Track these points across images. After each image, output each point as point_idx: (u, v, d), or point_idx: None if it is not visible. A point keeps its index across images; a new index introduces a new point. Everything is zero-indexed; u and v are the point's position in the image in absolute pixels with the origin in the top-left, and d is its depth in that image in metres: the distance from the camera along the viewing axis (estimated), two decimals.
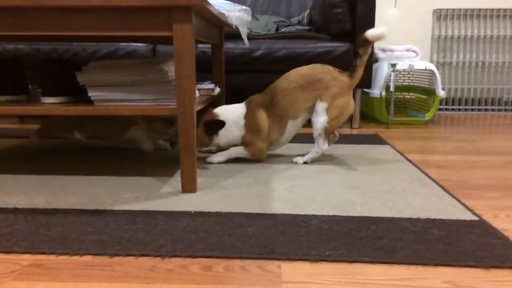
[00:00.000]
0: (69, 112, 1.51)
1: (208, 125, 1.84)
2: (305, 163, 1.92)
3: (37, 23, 1.40)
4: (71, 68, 1.60)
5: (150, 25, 1.40)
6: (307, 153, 1.95)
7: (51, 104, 1.59)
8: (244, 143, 1.90)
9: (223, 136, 1.89)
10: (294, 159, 1.94)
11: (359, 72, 1.89)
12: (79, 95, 1.66)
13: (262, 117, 1.86)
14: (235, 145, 1.93)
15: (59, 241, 1.10)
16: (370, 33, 1.81)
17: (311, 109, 1.89)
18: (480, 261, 1.01)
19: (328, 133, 1.90)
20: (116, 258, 1.02)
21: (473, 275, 0.96)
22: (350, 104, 1.89)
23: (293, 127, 1.91)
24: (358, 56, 1.87)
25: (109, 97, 1.53)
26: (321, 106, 1.85)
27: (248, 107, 1.89)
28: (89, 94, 1.54)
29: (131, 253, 1.04)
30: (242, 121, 1.88)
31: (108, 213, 1.30)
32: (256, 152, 1.89)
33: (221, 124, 1.83)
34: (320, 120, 1.85)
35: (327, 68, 1.89)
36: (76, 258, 1.03)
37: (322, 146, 1.91)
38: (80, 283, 0.92)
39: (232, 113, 1.89)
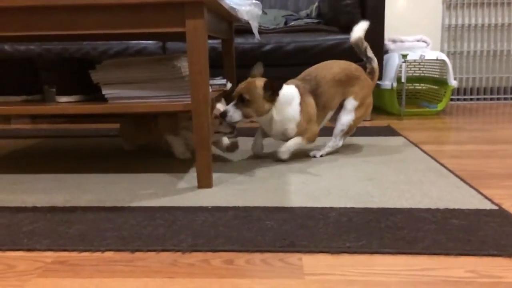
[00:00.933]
0: (83, 110, 1.52)
1: (269, 85, 1.67)
2: (321, 156, 1.92)
3: (49, 23, 1.41)
4: (85, 67, 1.61)
5: (163, 21, 1.40)
6: (323, 147, 1.95)
7: (66, 103, 1.60)
8: (299, 131, 1.79)
9: (277, 118, 1.75)
10: (312, 153, 1.93)
11: (377, 74, 2.01)
12: (93, 93, 1.67)
13: (314, 104, 1.81)
14: (280, 133, 1.81)
15: (80, 238, 1.11)
16: (352, 38, 1.98)
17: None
18: (503, 250, 1.00)
19: (349, 131, 1.94)
20: (138, 254, 1.03)
21: (497, 263, 0.95)
22: (371, 106, 1.99)
23: (327, 118, 1.92)
24: (366, 58, 1.97)
25: (123, 95, 1.54)
26: (352, 103, 1.89)
27: (300, 92, 1.78)
28: (103, 92, 1.55)
29: (152, 248, 1.05)
30: (297, 107, 1.77)
31: (126, 209, 1.30)
32: (312, 137, 1.82)
33: (280, 86, 1.72)
34: (348, 117, 1.90)
35: (359, 67, 1.94)
36: (98, 254, 1.03)
37: (339, 142, 1.94)
38: (104, 278, 0.92)
39: (289, 96, 1.76)
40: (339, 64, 1.90)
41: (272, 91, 1.67)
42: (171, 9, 1.38)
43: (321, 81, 1.82)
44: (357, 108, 1.90)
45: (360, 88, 1.90)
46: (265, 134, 1.91)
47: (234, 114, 1.66)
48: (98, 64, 1.54)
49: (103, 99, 1.58)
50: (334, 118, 1.96)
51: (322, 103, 1.83)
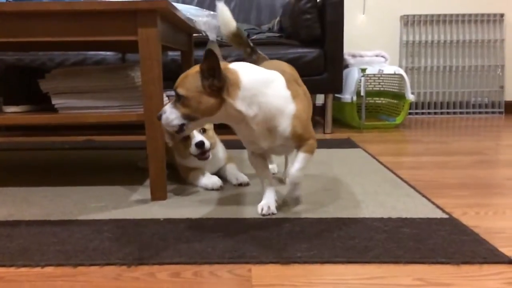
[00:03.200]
0: (31, 121, 1.46)
1: (207, 67, 1.13)
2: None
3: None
4: (34, 76, 1.55)
5: (115, 29, 1.37)
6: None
7: (12, 113, 1.54)
8: (302, 128, 1.26)
9: (251, 113, 1.18)
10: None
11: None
12: (43, 103, 1.61)
13: (307, 96, 1.37)
14: (272, 139, 1.26)
15: (20, 253, 1.05)
16: (230, 28, 1.52)
17: None
18: (450, 258, 1.01)
19: None
20: (80, 268, 0.98)
21: (444, 271, 0.96)
22: None
23: None
24: (251, 49, 1.58)
25: (74, 105, 1.49)
26: None
27: (286, 77, 1.27)
28: (53, 102, 1.50)
29: (95, 262, 1.00)
30: (284, 90, 1.24)
31: (73, 223, 1.25)
32: (315, 146, 1.35)
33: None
34: None
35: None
36: (37, 269, 0.98)
37: None
38: None
39: (262, 78, 1.22)
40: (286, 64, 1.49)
41: (213, 77, 1.13)
42: (123, 17, 1.36)
43: (294, 76, 1.36)
44: None
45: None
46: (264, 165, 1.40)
47: (171, 115, 1.18)
48: (47, 73, 1.49)
49: (53, 110, 1.53)
50: None
51: (308, 97, 1.39)
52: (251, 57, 1.57)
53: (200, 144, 1.53)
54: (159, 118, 1.22)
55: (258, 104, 1.19)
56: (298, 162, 1.31)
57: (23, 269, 0.98)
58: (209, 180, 1.59)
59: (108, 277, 0.94)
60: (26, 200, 1.47)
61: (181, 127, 1.20)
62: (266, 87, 1.20)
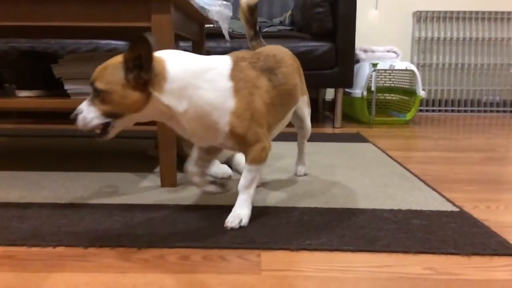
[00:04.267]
0: (43, 105, 1.47)
1: (132, 57, 0.98)
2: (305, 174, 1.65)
3: (11, 13, 1.37)
4: (47, 61, 1.56)
5: (128, 15, 1.37)
6: (300, 161, 1.67)
7: (25, 97, 1.55)
8: (242, 127, 1.08)
9: (180, 108, 1.04)
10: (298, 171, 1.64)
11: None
12: (55, 89, 1.62)
13: (267, 90, 1.15)
14: (207, 137, 1.11)
15: (31, 234, 1.06)
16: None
17: None
18: (461, 249, 1.00)
19: None
20: (90, 249, 0.99)
21: (454, 261, 0.95)
22: None
23: (287, 119, 1.34)
24: (255, 33, 1.45)
25: (86, 90, 1.50)
26: (304, 101, 1.49)
27: (239, 64, 1.12)
28: (66, 87, 1.51)
29: (105, 244, 1.01)
30: (226, 83, 1.07)
31: (84, 206, 1.26)
32: (263, 155, 1.15)
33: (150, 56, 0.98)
34: (308, 118, 1.55)
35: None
36: (49, 249, 0.99)
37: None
38: (51, 273, 0.88)
39: (199, 68, 1.06)
40: (283, 50, 1.35)
41: (139, 68, 0.98)
42: (137, 3, 1.36)
43: (281, 61, 1.24)
44: (308, 103, 1.53)
45: (302, 78, 1.46)
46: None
47: (89, 114, 1.02)
48: (60, 59, 1.50)
49: (65, 95, 1.54)
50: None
51: (284, 92, 1.21)
52: (252, 41, 1.46)
53: None
54: (74, 119, 1.03)
55: (188, 98, 1.03)
56: (243, 177, 1.15)
57: (34, 249, 0.99)
58: (219, 169, 1.59)
59: (118, 258, 0.95)
60: (37, 183, 1.48)
61: (105, 127, 1.03)
62: (198, 79, 1.04)
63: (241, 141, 1.11)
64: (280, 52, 1.30)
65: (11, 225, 1.12)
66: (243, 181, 1.15)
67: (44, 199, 1.32)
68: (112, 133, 1.05)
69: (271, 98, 1.16)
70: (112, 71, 1.00)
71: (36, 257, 0.95)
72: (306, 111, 1.52)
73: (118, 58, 1.01)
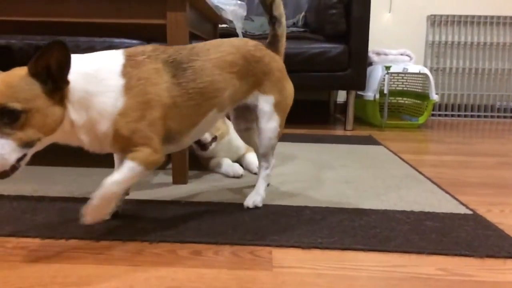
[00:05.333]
0: None
1: (54, 50, 0.83)
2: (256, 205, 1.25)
3: (27, 9, 1.38)
4: None
5: (143, 12, 1.38)
6: (256, 185, 1.30)
7: None
8: (128, 129, 0.95)
9: (79, 120, 0.92)
10: (246, 203, 1.25)
11: (283, 44, 1.34)
12: None
13: (165, 87, 1.00)
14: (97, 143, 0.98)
15: (45, 226, 1.07)
16: None
17: (240, 105, 1.23)
18: (475, 251, 0.99)
19: (277, 139, 1.28)
20: (103, 242, 1.00)
21: (468, 263, 0.94)
22: (293, 95, 1.30)
23: (210, 121, 1.15)
24: (276, 20, 1.30)
25: None
26: (266, 101, 1.22)
27: (133, 59, 0.99)
28: None
29: (118, 237, 1.02)
30: (117, 80, 0.95)
31: None
32: (151, 159, 0.98)
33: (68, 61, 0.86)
34: (271, 124, 1.23)
35: (259, 44, 1.25)
36: (62, 241, 1.00)
37: (273, 160, 1.32)
38: (64, 264, 0.89)
39: (92, 71, 0.93)
40: (230, 42, 1.18)
41: (55, 75, 0.85)
42: (152, 0, 1.37)
43: (199, 54, 1.09)
44: (277, 105, 1.23)
45: (267, 74, 1.21)
46: None
47: (3, 149, 0.82)
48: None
49: None
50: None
51: (194, 91, 1.04)
52: (272, 30, 1.30)
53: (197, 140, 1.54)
54: None
55: (86, 108, 0.91)
56: (119, 172, 0.96)
57: (47, 241, 1.00)
58: (230, 167, 1.59)
59: (130, 251, 0.95)
60: (50, 178, 1.49)
61: (14, 165, 0.84)
62: (93, 83, 0.92)
63: (127, 143, 0.95)
64: (219, 48, 1.13)
65: (25, 217, 1.13)
66: (116, 176, 0.95)
67: (56, 193, 1.33)
68: (22, 167, 0.87)
69: (172, 97, 1.00)
70: (24, 85, 0.82)
71: (49, 248, 0.96)
72: (266, 112, 1.22)
73: (19, 71, 0.84)
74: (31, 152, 0.87)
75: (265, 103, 1.21)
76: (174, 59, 1.03)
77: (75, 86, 0.90)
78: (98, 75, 0.93)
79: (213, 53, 1.11)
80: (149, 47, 1.03)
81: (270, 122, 1.22)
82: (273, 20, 1.30)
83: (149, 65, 0.99)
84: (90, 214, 0.95)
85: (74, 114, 0.90)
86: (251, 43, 1.21)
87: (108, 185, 0.94)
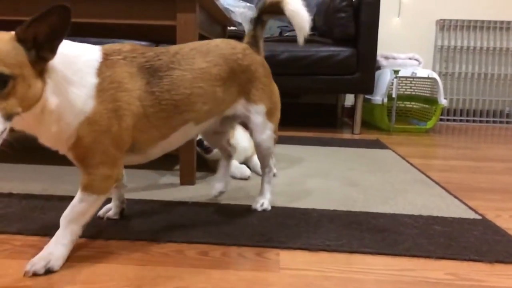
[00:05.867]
0: None
1: (54, 13, 0.76)
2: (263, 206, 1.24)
3: (37, 9, 1.39)
4: None
5: (153, 13, 1.39)
6: (262, 193, 1.28)
7: None
8: (92, 140, 0.86)
9: (52, 102, 0.82)
10: (254, 206, 1.25)
11: (263, 44, 1.27)
12: None
13: (138, 95, 0.91)
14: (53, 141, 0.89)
15: (53, 224, 1.07)
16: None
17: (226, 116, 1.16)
18: (484, 256, 0.98)
19: (274, 145, 1.24)
20: (111, 242, 1.00)
21: (477, 268, 0.93)
22: (278, 91, 1.25)
23: (185, 134, 1.06)
24: (264, 24, 1.25)
25: None
26: (258, 111, 1.16)
27: (110, 59, 0.90)
28: None
29: (126, 237, 1.02)
30: (93, 79, 0.86)
31: (105, 200, 1.27)
32: (105, 185, 0.91)
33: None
34: (266, 135, 1.18)
35: (246, 47, 1.17)
36: None
37: (273, 160, 1.32)
38: (73, 263, 0.89)
39: (70, 47, 0.87)
40: (219, 48, 1.09)
41: (44, 43, 0.78)
42: (162, 1, 1.37)
43: (181, 62, 1.00)
44: (269, 113, 1.17)
45: (253, 82, 1.14)
46: None
47: None
48: None
49: None
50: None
51: (168, 102, 0.95)
52: (253, 30, 1.24)
53: (200, 143, 1.55)
54: None
55: (60, 93, 0.82)
56: (70, 206, 0.91)
57: None
58: (237, 169, 1.59)
59: (138, 251, 0.95)
60: (59, 177, 1.50)
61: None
62: (69, 69, 0.84)
63: (82, 157, 0.87)
64: (193, 51, 1.03)
65: (34, 215, 1.13)
66: (68, 210, 0.90)
67: (65, 192, 1.34)
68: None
69: (143, 107, 0.91)
70: (11, 50, 0.74)
71: None
72: (259, 124, 1.17)
73: (4, 35, 0.76)
74: (8, 126, 0.76)
75: (257, 115, 1.15)
76: (151, 65, 0.95)
77: (56, 65, 0.81)
78: (77, 62, 0.85)
79: (198, 63, 1.02)
80: (127, 46, 0.94)
81: (265, 133, 1.18)
82: (261, 22, 1.24)
83: (124, 67, 0.90)
84: (44, 259, 0.85)
85: (51, 94, 0.81)
86: (239, 48, 1.13)
87: (65, 224, 0.89)
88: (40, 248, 0.95)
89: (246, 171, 1.59)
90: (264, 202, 1.24)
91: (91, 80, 0.85)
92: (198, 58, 1.02)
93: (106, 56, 0.89)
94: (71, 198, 1.26)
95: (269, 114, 1.18)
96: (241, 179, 1.57)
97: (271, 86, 1.21)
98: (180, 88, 0.97)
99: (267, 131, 1.18)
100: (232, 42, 1.15)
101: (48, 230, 1.04)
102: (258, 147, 1.21)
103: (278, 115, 1.23)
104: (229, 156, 1.35)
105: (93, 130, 0.85)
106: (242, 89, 1.13)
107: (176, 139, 1.04)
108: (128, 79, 0.89)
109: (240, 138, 1.69)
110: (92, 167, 0.88)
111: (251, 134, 1.20)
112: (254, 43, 1.21)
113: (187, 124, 1.02)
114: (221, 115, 1.14)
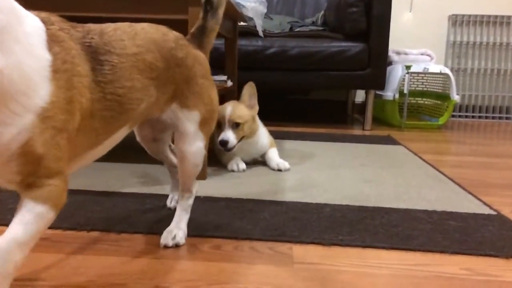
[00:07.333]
0: None
1: None
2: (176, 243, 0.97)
3: (46, 4, 1.39)
4: None
5: (165, 7, 1.39)
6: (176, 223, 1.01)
7: None
8: (27, 159, 0.60)
9: None
10: (162, 240, 0.96)
11: (211, 41, 1.03)
12: None
13: (84, 80, 0.67)
14: None
15: (66, 217, 1.08)
16: None
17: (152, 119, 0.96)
18: (500, 251, 0.97)
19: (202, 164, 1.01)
20: (124, 235, 1.00)
21: (492, 263, 0.92)
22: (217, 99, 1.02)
23: (114, 142, 0.85)
24: (211, 8, 1.00)
25: None
26: (189, 119, 0.94)
27: (46, 24, 0.64)
28: None
29: (138, 230, 1.02)
30: (45, 53, 0.61)
31: (116, 194, 1.27)
32: (64, 198, 0.67)
33: None
34: (195, 147, 0.96)
35: (180, 37, 0.94)
36: (83, 233, 1.00)
37: (196, 185, 1.06)
38: (87, 255, 0.89)
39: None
40: (145, 31, 0.83)
41: None
42: None
43: (113, 44, 0.75)
44: (202, 122, 0.95)
45: (188, 82, 0.92)
46: None
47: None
48: None
49: None
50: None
51: (112, 97, 0.73)
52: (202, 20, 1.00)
53: (223, 143, 1.56)
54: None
55: (8, 50, 0.56)
56: (20, 225, 0.61)
57: (69, 232, 1.01)
58: (235, 164, 1.62)
59: (151, 244, 0.96)
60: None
61: None
62: (18, 25, 0.58)
63: (32, 165, 0.61)
64: (124, 34, 0.78)
65: None
66: (20, 230, 0.61)
67: (78, 186, 1.34)
68: None
69: (92, 101, 0.69)
70: None
71: (71, 240, 0.97)
72: (189, 133, 0.94)
73: None
74: None
75: (188, 122, 0.93)
76: (90, 44, 0.70)
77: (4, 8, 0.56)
78: (24, 23, 0.60)
79: (129, 46, 0.78)
80: (53, 16, 0.67)
81: (194, 144, 0.95)
82: (207, 7, 0.99)
83: (69, 41, 0.65)
84: None
85: None
86: (171, 35, 0.89)
87: (6, 252, 0.59)
88: (54, 241, 0.95)
89: (286, 164, 1.64)
90: (177, 234, 0.96)
91: (44, 54, 0.61)
92: (128, 41, 0.78)
93: (46, 26, 0.64)
94: (83, 192, 1.28)
95: (203, 125, 0.95)
96: (239, 171, 1.61)
97: (209, 90, 0.96)
98: (122, 79, 0.74)
99: (197, 143, 0.95)
100: (162, 27, 0.90)
101: (61, 223, 1.04)
102: (183, 163, 0.96)
103: (212, 126, 1.01)
104: (174, 167, 1.15)
105: (47, 129, 0.60)
106: (177, 90, 0.90)
107: (104, 148, 0.81)
108: (77, 59, 0.66)
109: (262, 134, 1.70)
110: (44, 177, 0.62)
111: (177, 145, 0.96)
112: (198, 36, 0.99)
113: (124, 127, 0.81)
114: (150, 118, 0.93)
